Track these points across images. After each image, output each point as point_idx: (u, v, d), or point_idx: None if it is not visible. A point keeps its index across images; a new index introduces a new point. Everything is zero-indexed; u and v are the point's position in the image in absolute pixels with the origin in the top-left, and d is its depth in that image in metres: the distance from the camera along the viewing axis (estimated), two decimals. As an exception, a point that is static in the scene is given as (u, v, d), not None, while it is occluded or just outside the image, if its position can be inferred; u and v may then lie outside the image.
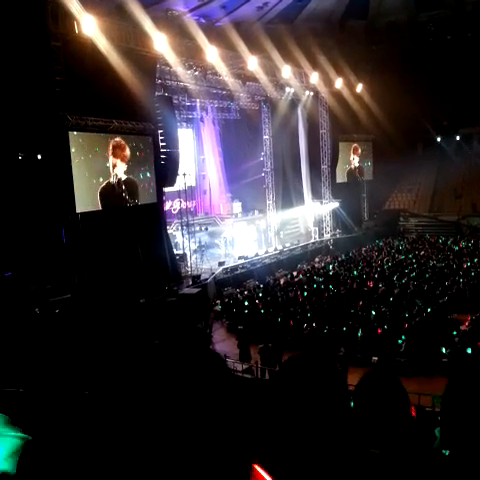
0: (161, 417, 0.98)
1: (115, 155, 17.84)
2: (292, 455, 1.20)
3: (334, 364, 1.33)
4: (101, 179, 17.24)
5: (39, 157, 16.21)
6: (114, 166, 17.82)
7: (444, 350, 12.43)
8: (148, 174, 19.15)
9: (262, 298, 18.43)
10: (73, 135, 16.15)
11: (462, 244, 27.15)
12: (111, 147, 17.69)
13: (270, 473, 1.14)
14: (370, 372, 1.82)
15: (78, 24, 15.54)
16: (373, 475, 1.35)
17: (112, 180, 17.68)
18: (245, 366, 12.72)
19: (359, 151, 32.65)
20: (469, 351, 11.95)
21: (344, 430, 1.24)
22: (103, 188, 17.25)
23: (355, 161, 32.54)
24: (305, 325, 14.88)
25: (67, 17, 15.26)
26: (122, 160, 18.09)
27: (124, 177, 18.21)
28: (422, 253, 25.31)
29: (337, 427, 1.23)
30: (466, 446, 1.36)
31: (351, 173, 32.31)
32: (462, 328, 13.81)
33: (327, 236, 29.74)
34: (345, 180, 31.71)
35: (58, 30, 15.23)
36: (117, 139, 17.90)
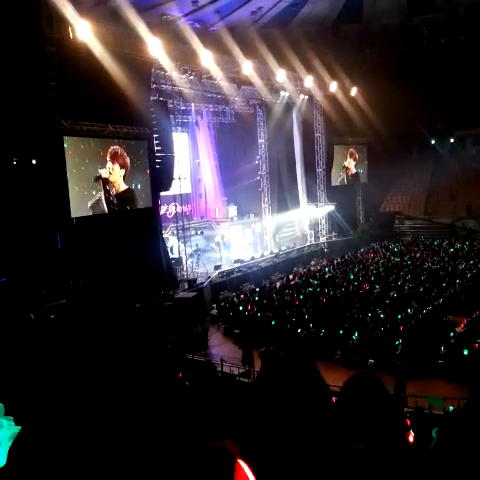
0: (152, 417, 0.99)
1: (115, 161, 17.68)
2: (276, 452, 1.22)
3: (312, 364, 1.36)
4: (94, 192, 17.08)
5: (34, 162, 16.18)
6: (109, 175, 17.55)
7: (442, 349, 12.50)
8: (143, 180, 19.13)
9: (258, 302, 18.42)
10: (68, 140, 16.12)
11: (457, 246, 27.25)
12: (109, 155, 17.56)
13: (253, 470, 1.15)
14: (354, 375, 1.84)
15: (73, 29, 15.53)
16: (357, 472, 1.36)
17: (102, 196, 17.30)
18: (241, 370, 12.70)
19: (356, 155, 32.76)
20: (466, 353, 11.99)
21: (325, 427, 1.26)
22: (92, 206, 17.01)
23: (352, 165, 32.63)
24: (300, 329, 14.87)
25: (62, 22, 15.26)
26: (122, 167, 18.00)
27: (122, 188, 18.10)
28: (417, 255, 25.39)
29: (317, 425, 1.25)
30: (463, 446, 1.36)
31: (347, 177, 32.41)
32: (458, 330, 13.84)
33: (323, 239, 29.78)
34: (341, 183, 31.80)
35: (53, 35, 15.22)
36: (115, 147, 17.79)
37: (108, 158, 17.57)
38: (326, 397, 1.33)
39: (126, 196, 18.30)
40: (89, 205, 16.77)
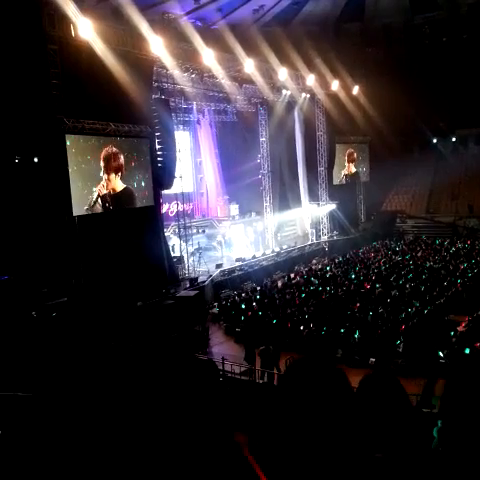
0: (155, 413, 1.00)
1: (108, 168, 17.41)
2: (297, 457, 1.21)
3: (335, 366, 1.34)
4: (94, 189, 16.99)
5: (36, 160, 16.19)
6: (107, 186, 17.40)
7: (441, 353, 12.44)
8: (144, 178, 19.12)
9: (259, 300, 18.43)
10: (70, 138, 16.11)
11: (459, 245, 27.23)
12: (102, 160, 17.21)
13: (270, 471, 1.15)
14: (369, 375, 1.82)
15: (75, 27, 15.53)
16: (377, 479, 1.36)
17: (99, 200, 17.11)
18: (243, 368, 12.72)
19: (354, 156, 32.65)
20: (467, 351, 11.98)
21: (350, 433, 1.25)
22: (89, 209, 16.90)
23: (351, 167, 32.56)
24: (302, 327, 14.88)
25: (64, 20, 15.26)
26: (116, 171, 17.78)
27: (119, 188, 17.94)
28: (419, 254, 25.38)
29: (343, 430, 1.24)
30: (464, 445, 1.36)
31: (347, 177, 32.36)
32: (459, 329, 13.84)
33: (324, 238, 29.77)
34: (342, 182, 31.77)
35: (55, 33, 15.22)
36: (108, 149, 17.45)
37: (102, 167, 17.18)
38: (352, 402, 1.32)
39: (123, 196, 18.18)
40: (85, 208, 16.64)
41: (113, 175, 17.70)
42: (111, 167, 17.61)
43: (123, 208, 18.28)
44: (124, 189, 18.16)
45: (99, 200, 17.19)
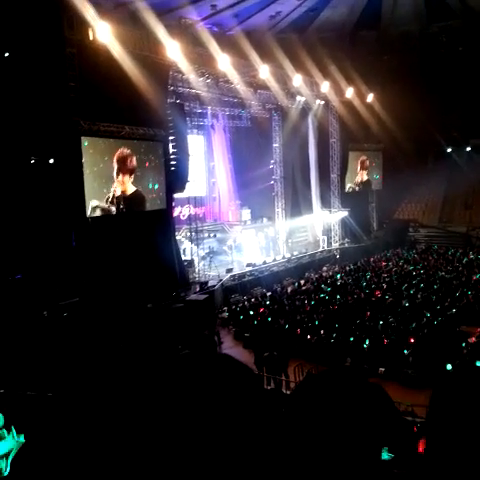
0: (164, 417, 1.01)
1: (121, 170, 17.61)
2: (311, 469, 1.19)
3: (366, 382, 1.27)
4: (110, 189, 17.15)
5: (51, 161, 16.38)
6: (121, 188, 17.64)
7: (450, 366, 12.30)
8: (158, 181, 19.23)
9: (269, 306, 18.40)
10: (86, 140, 16.29)
11: (471, 256, 26.96)
12: (116, 162, 17.41)
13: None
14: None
15: (93, 31, 15.74)
16: None
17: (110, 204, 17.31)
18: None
19: (366, 163, 32.56)
20: (478, 364, 11.84)
21: (374, 452, 1.22)
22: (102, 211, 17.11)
23: (363, 174, 32.47)
24: (311, 334, 14.82)
25: (82, 24, 15.47)
26: (130, 173, 17.96)
27: (130, 190, 18.09)
28: (431, 264, 25.16)
29: (368, 448, 1.20)
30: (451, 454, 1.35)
31: (359, 184, 32.28)
32: (471, 340, 13.68)
33: (335, 245, 29.66)
34: (353, 190, 31.66)
35: (73, 36, 15.45)
36: (122, 150, 17.64)
37: (115, 168, 17.37)
38: (397, 421, 1.28)
39: (135, 199, 18.30)
40: (100, 209, 16.87)
41: (127, 177, 17.87)
42: (125, 169, 17.77)
43: (134, 211, 18.41)
44: (135, 192, 18.30)
45: (114, 201, 17.38)
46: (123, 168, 17.71)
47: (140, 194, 18.53)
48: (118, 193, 17.51)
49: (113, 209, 17.39)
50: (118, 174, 17.55)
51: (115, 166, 17.45)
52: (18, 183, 15.10)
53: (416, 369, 12.32)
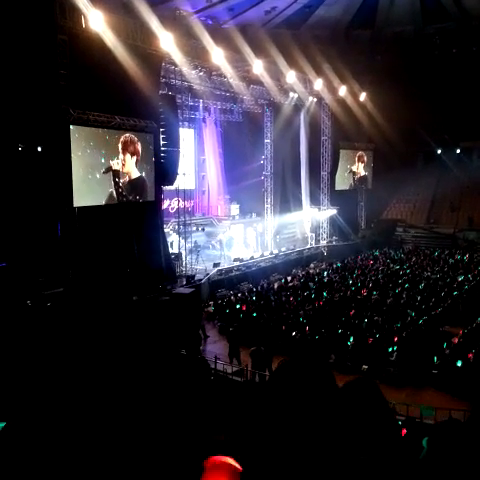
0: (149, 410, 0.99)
1: (125, 151, 17.82)
2: (283, 458, 1.21)
3: (326, 369, 1.34)
4: (98, 175, 17.09)
5: (39, 149, 16.16)
6: (122, 167, 17.77)
7: (436, 359, 12.49)
8: (147, 172, 19.12)
9: (255, 301, 18.42)
10: (74, 129, 16.11)
11: (457, 257, 27.24)
12: (121, 145, 17.68)
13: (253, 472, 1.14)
14: (352, 381, 1.82)
15: (85, 19, 15.54)
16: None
17: (113, 188, 17.53)
18: (235, 368, 12.70)
19: (364, 158, 32.75)
20: (459, 364, 11.99)
21: (335, 435, 1.25)
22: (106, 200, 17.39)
23: (360, 168, 32.64)
24: (296, 331, 14.87)
25: (75, 11, 15.27)
26: (133, 154, 18.15)
27: (135, 175, 18.27)
28: (417, 264, 25.38)
29: (328, 432, 1.24)
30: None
31: (354, 181, 32.43)
32: (453, 341, 13.84)
33: (323, 243, 29.77)
34: (345, 188, 31.78)
35: (65, 24, 15.22)
36: (127, 134, 17.97)
37: (120, 148, 17.68)
38: (337, 404, 1.32)
39: (137, 184, 18.45)
40: (103, 202, 17.17)
41: (128, 156, 17.97)
42: (127, 149, 17.95)
43: (133, 200, 18.49)
44: (139, 177, 18.50)
45: (115, 193, 17.58)
46: (126, 148, 17.90)
47: (143, 180, 18.66)
48: (117, 168, 17.60)
49: (114, 198, 17.51)
50: (121, 153, 17.79)
51: (120, 146, 17.67)
52: (4, 170, 14.88)
53: (398, 367, 12.44)
